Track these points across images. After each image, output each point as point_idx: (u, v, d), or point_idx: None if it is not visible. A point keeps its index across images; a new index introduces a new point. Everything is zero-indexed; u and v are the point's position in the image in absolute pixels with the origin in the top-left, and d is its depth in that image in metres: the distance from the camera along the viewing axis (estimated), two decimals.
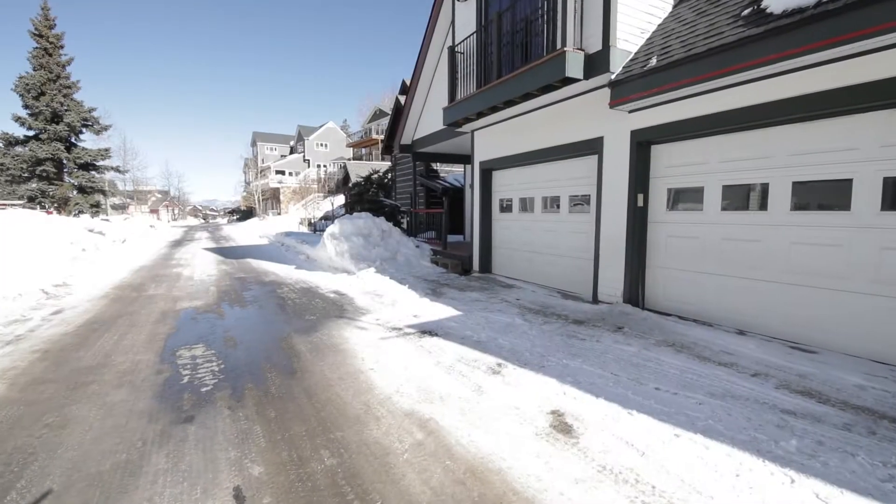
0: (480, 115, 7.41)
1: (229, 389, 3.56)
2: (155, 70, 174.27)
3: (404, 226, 13.81)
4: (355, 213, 10.59)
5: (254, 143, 67.46)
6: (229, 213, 61.94)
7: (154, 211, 65.99)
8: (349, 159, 45.09)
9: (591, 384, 3.26)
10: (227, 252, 15.42)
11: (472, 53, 7.63)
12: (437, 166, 18.90)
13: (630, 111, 5.28)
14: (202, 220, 66.82)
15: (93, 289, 8.20)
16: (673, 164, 5.07)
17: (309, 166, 55.53)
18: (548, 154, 6.71)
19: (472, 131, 8.63)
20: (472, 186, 12.27)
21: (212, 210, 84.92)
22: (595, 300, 5.89)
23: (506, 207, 8.19)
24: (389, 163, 22.15)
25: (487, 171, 8.40)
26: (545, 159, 6.90)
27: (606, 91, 5.43)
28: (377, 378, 3.63)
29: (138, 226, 24.10)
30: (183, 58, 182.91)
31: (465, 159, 12.51)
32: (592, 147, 5.88)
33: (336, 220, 9.85)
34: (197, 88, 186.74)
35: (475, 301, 6.17)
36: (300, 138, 61.17)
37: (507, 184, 8.05)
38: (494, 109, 7.07)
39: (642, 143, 5.26)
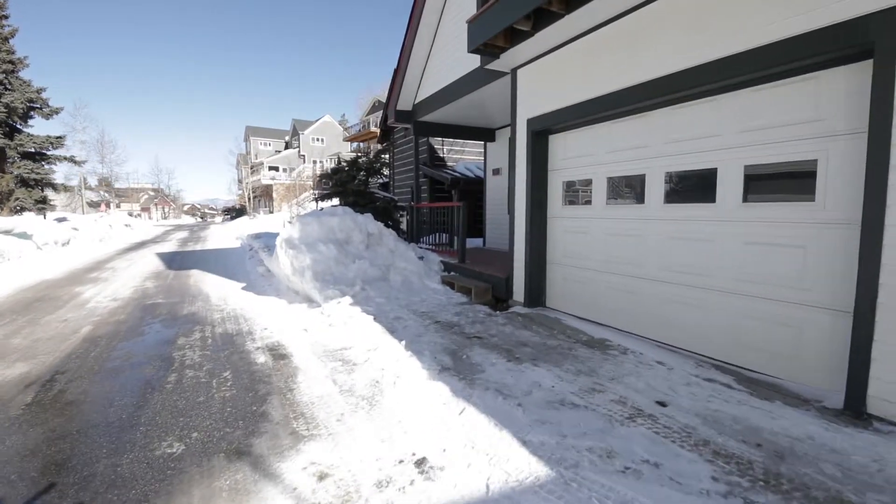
0: (539, 21, 3.95)
1: None
2: (151, 65, 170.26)
3: (403, 226, 10.37)
4: (327, 209, 7.14)
5: (246, 138, 63.97)
6: (224, 211, 58.67)
7: (145, 209, 63.00)
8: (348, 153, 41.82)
9: None
10: (178, 259, 12.35)
11: None
12: (443, 153, 15.46)
13: None
14: (199, 219, 63.61)
15: None
16: None
17: (304, 162, 52.23)
18: (690, 83, 3.25)
19: (514, 70, 5.16)
20: (496, 172, 8.83)
21: (211, 209, 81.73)
22: (859, 412, 2.43)
23: (576, 196, 4.74)
24: (387, 155, 18.62)
25: (541, 134, 4.94)
26: (678, 96, 3.45)
27: None
28: None
29: (108, 225, 20.84)
30: (180, 54, 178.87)
31: (487, 134, 9.04)
32: (847, 40, 2.42)
33: (297, 219, 6.40)
34: (195, 84, 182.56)
35: (560, 403, 2.66)
36: (295, 133, 57.80)
37: (579, 155, 4.59)
38: (570, 4, 3.63)
39: None
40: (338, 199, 10.05)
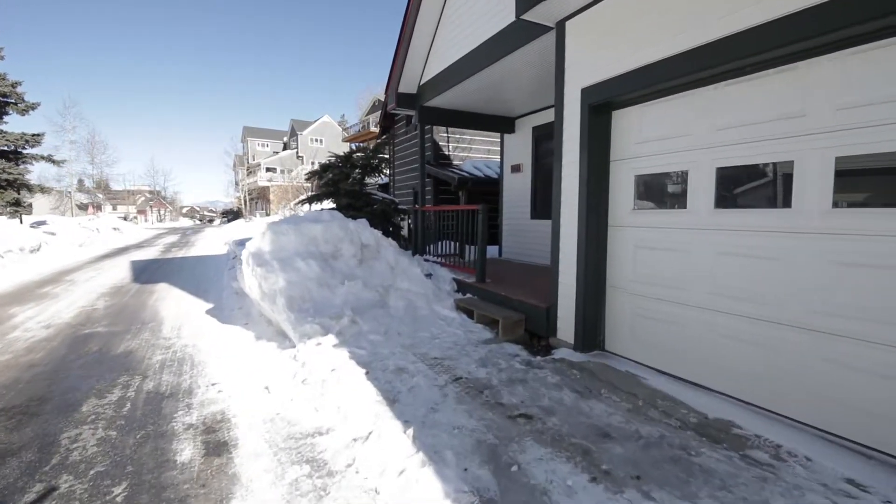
0: None
1: None
2: (148, 65, 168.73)
3: (405, 231, 8.96)
4: (309, 213, 5.72)
5: (244, 139, 62.65)
6: (223, 214, 57.50)
7: (141, 211, 61.84)
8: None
9: None
10: (152, 269, 11.21)
11: None
12: (448, 151, 14.05)
13: None
14: (197, 221, 62.32)
15: None
16: None
17: (303, 163, 50.97)
18: None
19: (561, 22, 3.75)
20: (516, 168, 7.39)
21: (210, 210, 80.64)
22: None
23: (657, 196, 3.33)
24: (387, 153, 17.14)
25: (602, 109, 3.52)
26: (876, 27, 2.04)
27: None
28: None
29: (95, 229, 19.48)
30: (178, 54, 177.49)
31: (505, 124, 7.62)
32: None
33: (268, 227, 4.97)
34: (194, 85, 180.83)
35: None
36: (293, 133, 56.55)
37: (665, 136, 3.18)
38: None
39: None
40: (330, 200, 8.65)
